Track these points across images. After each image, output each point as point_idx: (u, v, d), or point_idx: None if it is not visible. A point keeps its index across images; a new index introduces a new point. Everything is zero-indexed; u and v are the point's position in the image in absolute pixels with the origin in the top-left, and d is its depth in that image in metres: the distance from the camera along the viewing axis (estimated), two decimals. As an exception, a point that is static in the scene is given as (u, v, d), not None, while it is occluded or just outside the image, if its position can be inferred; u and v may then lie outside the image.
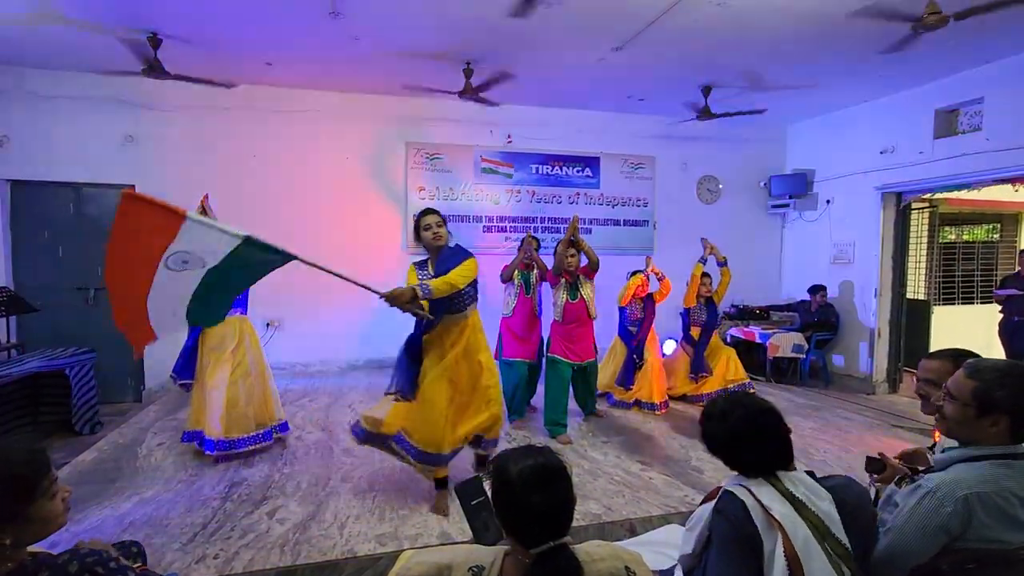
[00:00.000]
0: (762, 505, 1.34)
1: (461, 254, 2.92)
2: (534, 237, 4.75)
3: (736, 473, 1.48)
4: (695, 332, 5.13)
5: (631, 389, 4.83)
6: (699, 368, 5.04)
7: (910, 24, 3.61)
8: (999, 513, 1.42)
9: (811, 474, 1.47)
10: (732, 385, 5.04)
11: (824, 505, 1.36)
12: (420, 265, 3.03)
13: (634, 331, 4.82)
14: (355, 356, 6.21)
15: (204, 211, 3.48)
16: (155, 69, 4.43)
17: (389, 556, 2.47)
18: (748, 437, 1.44)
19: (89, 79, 5.25)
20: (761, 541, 1.32)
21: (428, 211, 3.02)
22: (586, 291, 4.27)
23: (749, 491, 1.38)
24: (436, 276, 2.85)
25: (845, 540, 1.35)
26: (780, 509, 1.33)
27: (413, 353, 2.95)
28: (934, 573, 1.43)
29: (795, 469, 1.45)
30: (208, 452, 3.45)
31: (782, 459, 1.44)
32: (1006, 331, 5.53)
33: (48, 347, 4.74)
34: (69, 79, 5.24)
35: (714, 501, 1.45)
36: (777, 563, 1.29)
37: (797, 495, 1.36)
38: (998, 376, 1.48)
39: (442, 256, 2.95)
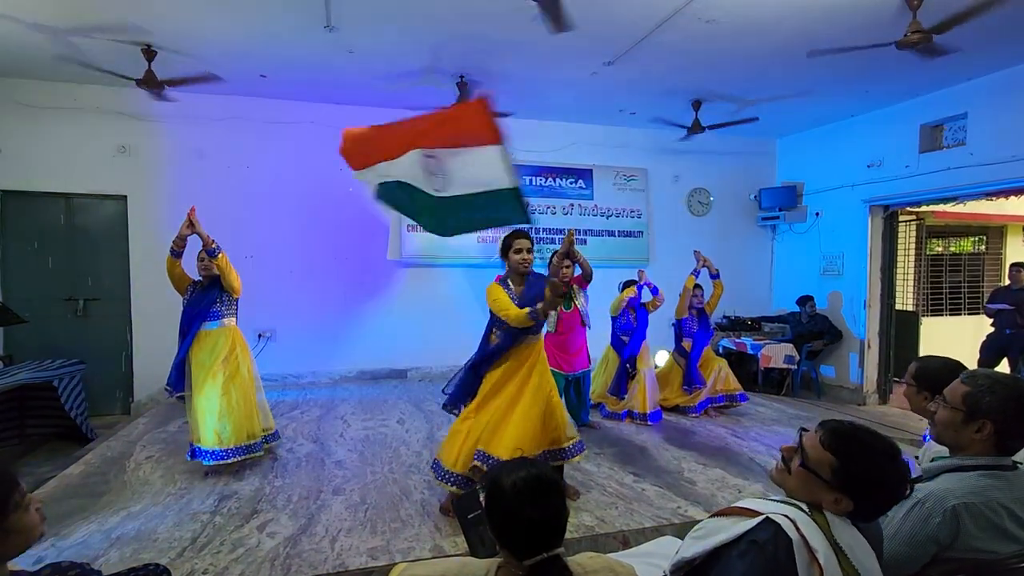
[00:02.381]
0: (807, 544, 1.19)
1: (543, 281, 2.93)
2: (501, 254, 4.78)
3: (741, 495, 1.37)
4: (687, 344, 5.15)
5: (624, 399, 4.84)
6: (693, 380, 5.05)
7: (894, 43, 3.69)
8: (987, 524, 1.43)
9: None
10: (721, 394, 5.07)
11: (868, 561, 1.23)
12: (503, 283, 3.02)
13: (626, 340, 4.83)
14: (347, 368, 6.18)
15: (191, 224, 3.46)
16: (150, 81, 4.44)
17: (381, 570, 2.44)
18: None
19: (82, 90, 5.25)
20: None
21: (522, 233, 3.03)
22: (579, 301, 4.31)
23: (795, 525, 1.21)
24: (523, 299, 2.90)
25: None
26: (824, 553, 1.19)
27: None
28: (924, 583, 1.44)
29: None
30: (204, 463, 3.44)
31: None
32: (996, 344, 5.57)
33: (36, 359, 4.69)
34: (62, 90, 5.23)
35: (741, 521, 1.28)
36: None
37: (841, 544, 1.22)
38: (990, 384, 1.51)
39: (529, 280, 3.01)
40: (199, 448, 3.45)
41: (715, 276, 5.06)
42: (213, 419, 3.44)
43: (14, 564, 1.29)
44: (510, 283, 3.02)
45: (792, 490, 1.33)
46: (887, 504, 1.28)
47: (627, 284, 4.89)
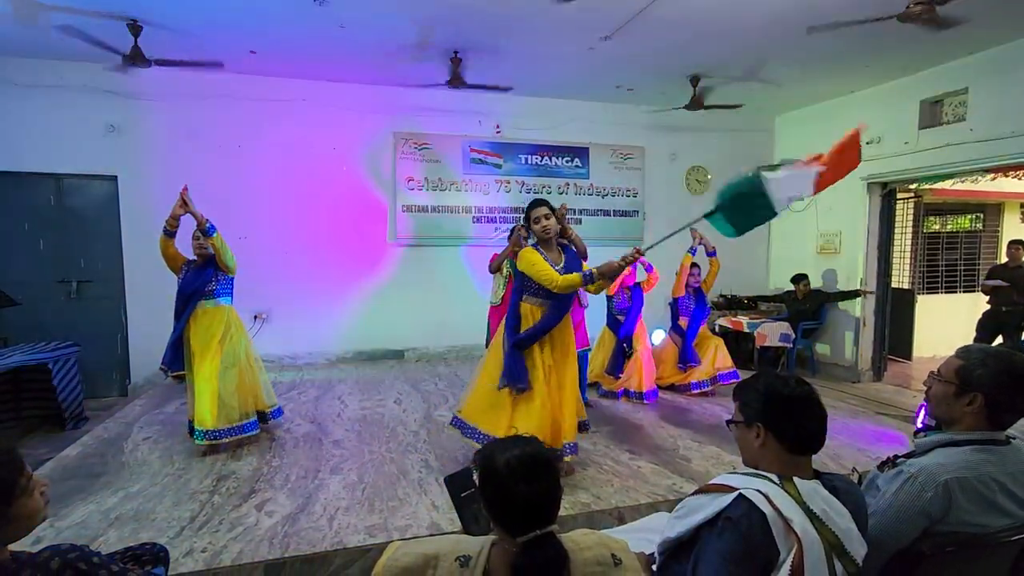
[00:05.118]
0: (782, 515, 1.23)
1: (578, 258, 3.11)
2: (524, 226, 4.73)
3: (733, 471, 1.42)
4: (683, 322, 5.15)
5: (620, 378, 4.85)
6: (687, 358, 5.07)
7: (896, 17, 3.62)
8: (979, 498, 1.45)
9: (816, 474, 1.39)
10: (720, 373, 5.09)
11: (843, 522, 1.28)
12: (537, 247, 3.06)
13: (621, 320, 4.83)
14: (343, 348, 6.18)
15: (184, 203, 3.42)
16: (136, 57, 4.34)
17: (379, 547, 2.46)
18: (808, 408, 1.37)
19: (69, 67, 5.14)
20: (774, 560, 1.21)
21: (539, 201, 3.11)
22: None
23: (767, 499, 1.25)
24: (564, 268, 2.98)
25: (859, 557, 1.28)
26: (799, 521, 1.23)
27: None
28: (915, 556, 1.46)
29: (812, 476, 1.36)
30: (197, 442, 3.46)
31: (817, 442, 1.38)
32: (992, 322, 5.58)
33: (30, 341, 4.67)
34: (49, 68, 5.12)
35: (719, 497, 1.31)
36: (781, 574, 1.20)
37: (814, 510, 1.26)
38: (982, 357, 1.53)
39: (566, 249, 3.13)
40: (193, 427, 3.47)
41: (711, 253, 5.04)
42: (208, 399, 3.44)
43: (13, 544, 1.29)
44: (542, 250, 3.04)
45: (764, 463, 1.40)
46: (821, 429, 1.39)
47: None
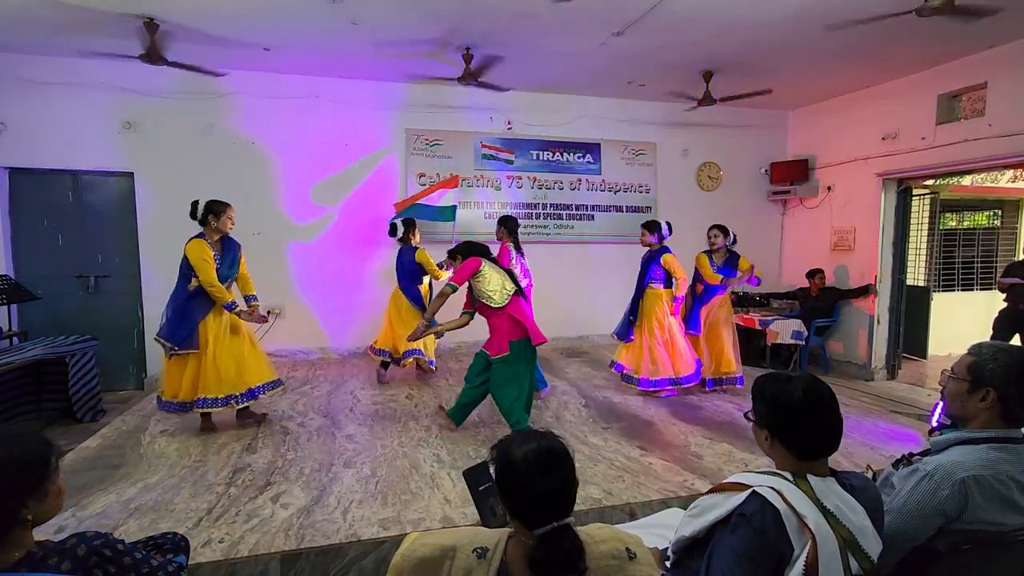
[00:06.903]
0: (795, 512, 1.24)
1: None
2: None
3: (746, 468, 1.45)
4: (699, 288, 5.08)
5: (631, 342, 4.81)
6: (691, 326, 4.98)
7: (914, 11, 3.57)
8: (996, 496, 1.44)
9: (832, 472, 1.38)
10: (726, 377, 5.03)
11: (857, 519, 1.28)
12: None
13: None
14: (356, 344, 6.22)
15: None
16: (152, 55, 4.39)
17: (392, 540, 2.50)
18: (818, 416, 1.34)
19: (86, 65, 5.20)
20: (787, 555, 1.23)
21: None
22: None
23: (781, 495, 1.26)
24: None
25: (873, 554, 1.28)
26: (813, 518, 1.23)
27: None
28: (930, 554, 1.45)
29: (827, 474, 1.35)
30: (238, 405, 3.84)
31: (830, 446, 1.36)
32: (1008, 320, 5.50)
33: (50, 335, 4.75)
34: (66, 65, 5.18)
35: (732, 496, 1.32)
36: (795, 570, 1.22)
37: (828, 507, 1.26)
38: (993, 352, 1.54)
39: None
40: (213, 399, 3.76)
41: (755, 283, 5.10)
42: (233, 374, 3.80)
43: (35, 535, 1.33)
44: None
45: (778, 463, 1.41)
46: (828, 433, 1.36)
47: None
